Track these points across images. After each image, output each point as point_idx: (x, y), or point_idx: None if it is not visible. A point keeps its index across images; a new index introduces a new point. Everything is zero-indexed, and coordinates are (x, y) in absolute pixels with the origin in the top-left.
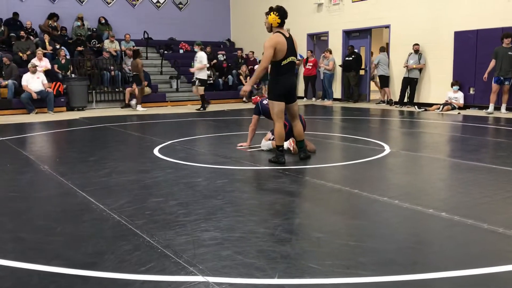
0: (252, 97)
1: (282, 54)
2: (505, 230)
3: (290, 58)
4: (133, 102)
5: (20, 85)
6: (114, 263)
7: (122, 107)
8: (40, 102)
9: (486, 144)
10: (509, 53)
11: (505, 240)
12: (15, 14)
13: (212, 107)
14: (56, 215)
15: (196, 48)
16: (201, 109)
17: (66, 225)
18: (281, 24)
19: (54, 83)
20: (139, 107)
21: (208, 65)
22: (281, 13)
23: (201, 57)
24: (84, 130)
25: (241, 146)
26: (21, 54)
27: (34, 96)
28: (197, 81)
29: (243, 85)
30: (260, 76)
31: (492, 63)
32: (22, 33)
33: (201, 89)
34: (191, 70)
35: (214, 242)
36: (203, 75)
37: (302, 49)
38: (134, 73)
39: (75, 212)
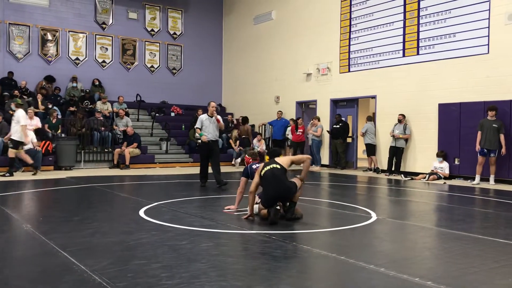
0: (246, 156)
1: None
2: None
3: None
4: (238, 160)
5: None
6: None
7: (110, 168)
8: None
9: (472, 214)
10: (494, 125)
11: None
12: (10, 73)
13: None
14: (35, 276)
15: (12, 106)
16: (7, 174)
17: (45, 286)
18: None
19: (43, 141)
20: None
21: (25, 125)
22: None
23: (18, 117)
24: (70, 189)
25: (228, 209)
26: (12, 113)
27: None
28: (9, 142)
29: (233, 149)
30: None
31: (479, 134)
32: (16, 92)
33: (11, 152)
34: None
35: None
36: (18, 136)
37: (291, 116)
38: (244, 136)
39: (55, 272)
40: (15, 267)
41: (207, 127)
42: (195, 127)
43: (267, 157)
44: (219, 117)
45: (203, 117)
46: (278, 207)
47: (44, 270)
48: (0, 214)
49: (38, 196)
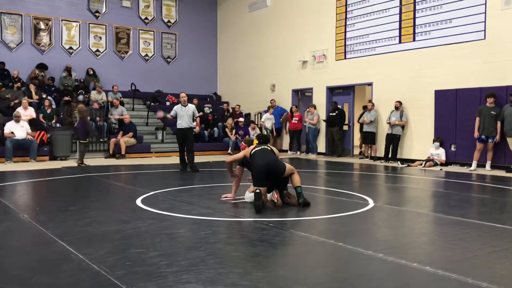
0: (242, 143)
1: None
2: (489, 285)
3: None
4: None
5: (3, 134)
6: None
7: (106, 157)
8: (22, 150)
9: (469, 200)
10: (492, 112)
11: None
12: (2, 63)
13: (197, 159)
14: (33, 265)
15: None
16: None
17: (42, 275)
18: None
19: (38, 132)
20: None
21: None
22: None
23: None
24: (66, 179)
25: (226, 197)
26: (7, 96)
27: (9, 134)
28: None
29: (229, 137)
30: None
31: (477, 121)
32: (18, 84)
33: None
34: None
35: None
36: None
37: (287, 104)
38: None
39: (53, 262)
40: (13, 256)
41: (181, 116)
42: (170, 114)
43: (255, 141)
44: (197, 120)
45: (177, 107)
46: (259, 191)
47: (42, 260)
48: None
49: (34, 186)
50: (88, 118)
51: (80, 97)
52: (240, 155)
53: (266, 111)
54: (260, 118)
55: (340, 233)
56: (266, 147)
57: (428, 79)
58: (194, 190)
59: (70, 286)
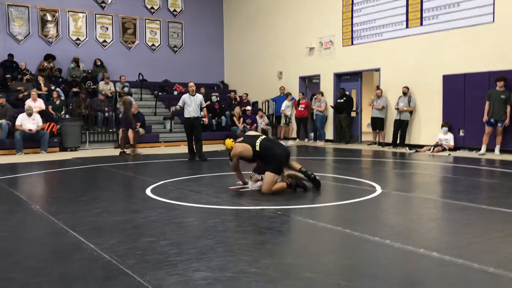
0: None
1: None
2: (495, 270)
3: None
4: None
5: (14, 126)
6: None
7: (115, 147)
8: (33, 142)
9: (478, 185)
10: (502, 96)
11: (496, 280)
12: (10, 56)
13: (205, 148)
14: (46, 255)
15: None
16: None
17: (55, 265)
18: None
19: (48, 123)
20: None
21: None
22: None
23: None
24: (76, 170)
25: (239, 184)
26: (19, 88)
27: (26, 130)
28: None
29: (236, 126)
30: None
31: (487, 105)
32: (27, 76)
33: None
34: None
35: (205, 282)
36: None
37: (294, 91)
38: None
39: (66, 252)
40: (26, 247)
41: (189, 105)
42: (178, 105)
43: (229, 141)
44: (205, 111)
45: (185, 96)
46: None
47: (55, 250)
48: (9, 196)
49: (45, 178)
50: (131, 110)
51: (126, 89)
52: (235, 155)
53: (274, 99)
54: (268, 106)
55: (347, 220)
56: (264, 136)
57: (436, 64)
58: (202, 179)
59: (83, 275)
